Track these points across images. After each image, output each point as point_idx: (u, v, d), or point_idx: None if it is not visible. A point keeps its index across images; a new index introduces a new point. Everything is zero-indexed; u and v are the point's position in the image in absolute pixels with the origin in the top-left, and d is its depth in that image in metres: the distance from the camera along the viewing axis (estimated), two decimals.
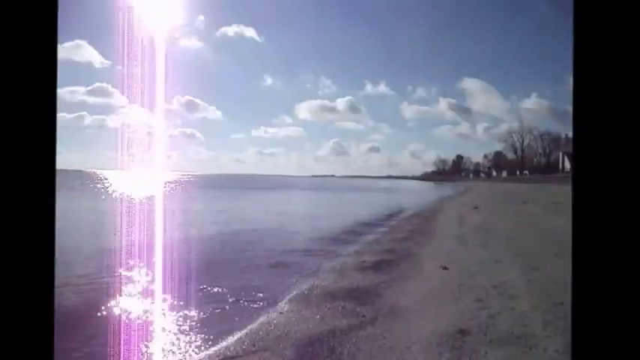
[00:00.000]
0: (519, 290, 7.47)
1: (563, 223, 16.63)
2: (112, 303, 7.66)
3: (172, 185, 67.71)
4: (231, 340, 6.21)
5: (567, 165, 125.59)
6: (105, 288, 8.57)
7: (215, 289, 8.79)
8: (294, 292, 8.49)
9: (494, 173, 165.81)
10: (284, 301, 7.97)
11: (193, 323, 6.95)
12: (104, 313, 7.30)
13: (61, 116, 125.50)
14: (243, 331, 6.49)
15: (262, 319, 7.03)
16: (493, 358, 5.00)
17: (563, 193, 39.61)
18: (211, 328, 6.72)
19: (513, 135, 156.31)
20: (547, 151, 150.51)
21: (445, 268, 9.51)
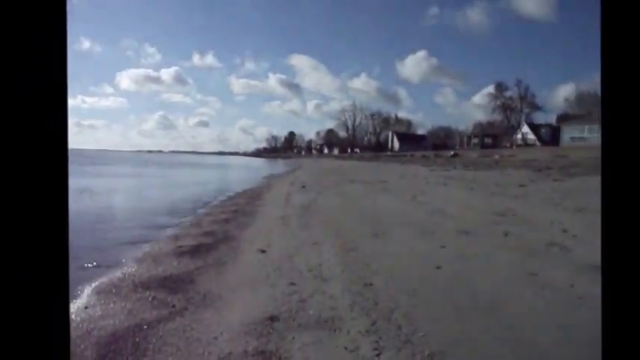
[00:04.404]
0: (333, 272, 7.92)
1: (385, 203, 17.86)
2: None
3: None
4: None
5: (396, 144, 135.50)
6: None
7: None
8: (100, 282, 8.25)
9: (326, 150, 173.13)
10: (89, 293, 7.72)
11: None
12: None
13: None
14: None
15: None
16: (299, 344, 5.29)
17: (389, 171, 42.28)
18: None
19: (345, 113, 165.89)
20: (378, 130, 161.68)
21: (263, 252, 9.79)
